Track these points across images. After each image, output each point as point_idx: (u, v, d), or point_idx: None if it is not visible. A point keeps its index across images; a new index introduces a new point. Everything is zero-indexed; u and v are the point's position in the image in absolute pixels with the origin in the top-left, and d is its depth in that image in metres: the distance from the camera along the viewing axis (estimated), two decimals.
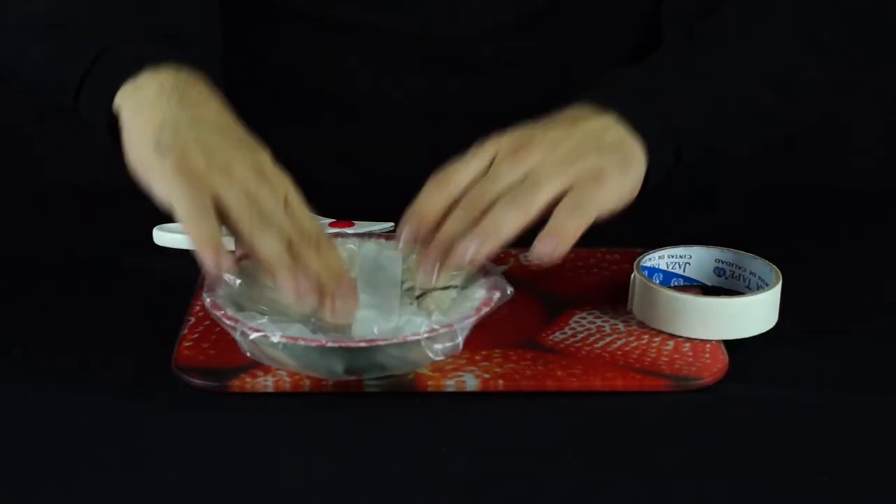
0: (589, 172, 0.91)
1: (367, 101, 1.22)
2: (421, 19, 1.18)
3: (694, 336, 0.93)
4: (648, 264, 0.97)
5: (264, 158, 0.93)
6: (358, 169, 1.26)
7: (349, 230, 1.05)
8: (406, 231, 0.91)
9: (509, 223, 0.89)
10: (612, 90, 0.98)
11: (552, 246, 0.88)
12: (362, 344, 0.84)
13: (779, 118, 1.05)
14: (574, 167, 0.91)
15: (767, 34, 1.06)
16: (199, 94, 0.96)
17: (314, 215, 0.92)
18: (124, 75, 0.96)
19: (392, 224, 1.06)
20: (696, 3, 1.13)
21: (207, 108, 0.95)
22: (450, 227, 0.90)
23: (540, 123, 0.94)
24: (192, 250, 1.05)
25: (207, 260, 0.86)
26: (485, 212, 0.89)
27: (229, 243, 1.03)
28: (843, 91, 1.13)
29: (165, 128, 0.92)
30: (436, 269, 0.89)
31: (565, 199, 0.90)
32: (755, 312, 0.93)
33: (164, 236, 1.06)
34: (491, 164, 0.92)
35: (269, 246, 0.87)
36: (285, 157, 1.22)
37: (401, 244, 0.91)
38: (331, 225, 1.07)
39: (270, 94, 1.27)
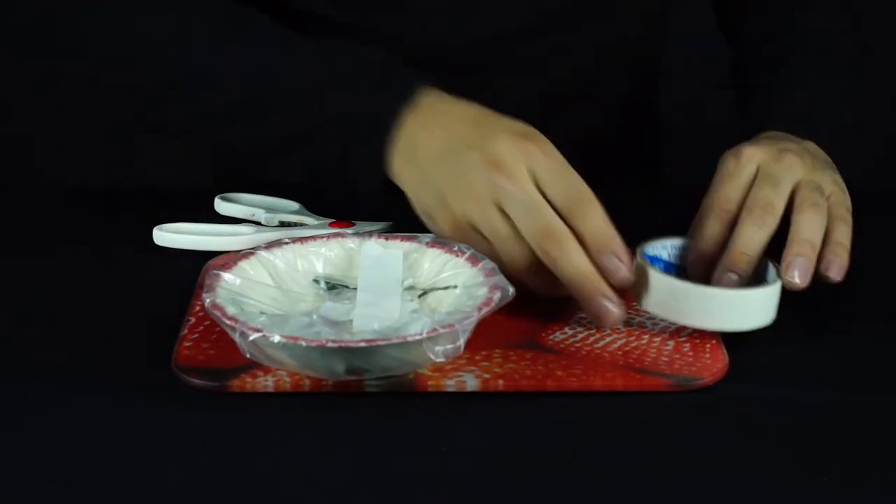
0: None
1: None
2: (427, 23, 1.18)
3: (691, 325, 0.93)
4: (651, 252, 0.97)
5: (498, 147, 0.94)
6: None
7: (349, 230, 1.05)
8: (710, 225, 0.96)
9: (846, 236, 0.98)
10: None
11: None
12: (362, 344, 0.84)
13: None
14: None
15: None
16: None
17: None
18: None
19: (391, 223, 1.06)
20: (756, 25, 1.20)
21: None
22: (747, 231, 0.95)
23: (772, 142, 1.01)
24: (193, 250, 1.05)
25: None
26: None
27: (244, 242, 1.04)
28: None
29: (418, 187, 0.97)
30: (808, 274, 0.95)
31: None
32: (755, 306, 0.93)
33: (164, 236, 1.06)
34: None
35: (528, 281, 0.93)
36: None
37: (701, 241, 0.96)
38: (330, 225, 1.07)
39: None
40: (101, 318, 0.97)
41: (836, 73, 1.16)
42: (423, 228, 0.99)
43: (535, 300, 0.98)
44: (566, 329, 0.95)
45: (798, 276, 0.94)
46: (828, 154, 1.06)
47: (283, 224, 1.09)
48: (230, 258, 0.95)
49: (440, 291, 0.94)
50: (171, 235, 1.06)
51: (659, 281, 0.93)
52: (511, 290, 0.90)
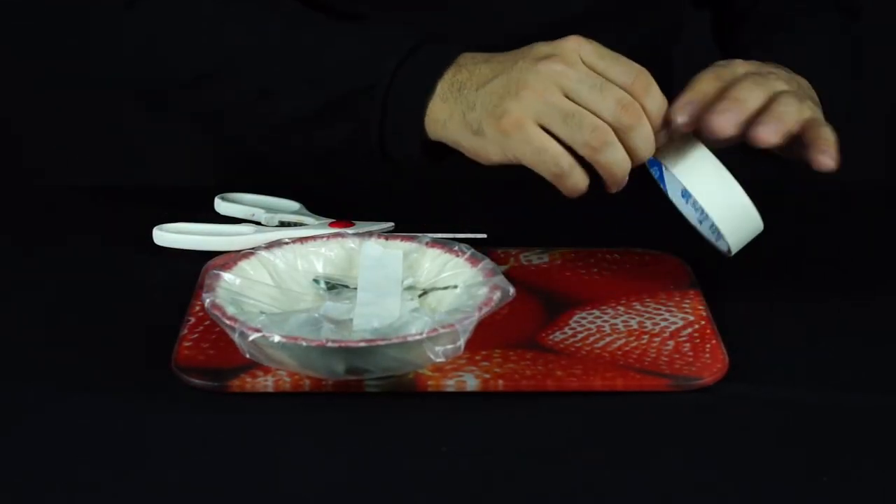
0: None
1: None
2: (446, 24, 1.18)
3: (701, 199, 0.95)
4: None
5: (543, 48, 0.97)
6: (368, 167, 1.25)
7: (349, 230, 1.05)
8: (688, 106, 0.96)
9: (794, 115, 0.96)
10: None
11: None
12: (362, 344, 0.84)
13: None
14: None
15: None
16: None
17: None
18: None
19: (392, 224, 1.06)
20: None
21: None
22: (744, 90, 0.95)
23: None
24: (193, 250, 1.05)
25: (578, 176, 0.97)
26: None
27: (244, 242, 1.04)
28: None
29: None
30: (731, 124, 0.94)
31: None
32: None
33: (164, 236, 1.06)
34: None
35: (578, 180, 0.96)
36: (305, 150, 1.21)
37: (680, 118, 0.95)
38: (330, 225, 1.07)
39: None
40: (102, 317, 0.97)
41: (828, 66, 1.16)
42: (424, 228, 0.99)
43: (535, 300, 0.98)
44: (566, 329, 0.95)
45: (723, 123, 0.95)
46: None
47: (283, 224, 1.09)
48: (230, 258, 0.95)
49: (440, 291, 0.94)
50: (172, 235, 1.06)
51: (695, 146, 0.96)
52: (511, 290, 0.90)
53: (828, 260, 1.08)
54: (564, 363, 0.90)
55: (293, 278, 0.96)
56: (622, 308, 0.97)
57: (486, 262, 0.93)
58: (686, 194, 0.96)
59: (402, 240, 0.97)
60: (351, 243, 0.97)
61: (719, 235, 0.96)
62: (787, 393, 0.88)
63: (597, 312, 0.97)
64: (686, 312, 0.97)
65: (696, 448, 0.83)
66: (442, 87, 1.00)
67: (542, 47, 0.97)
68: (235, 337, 0.86)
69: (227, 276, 0.92)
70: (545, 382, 0.88)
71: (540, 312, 0.97)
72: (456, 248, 0.95)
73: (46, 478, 0.80)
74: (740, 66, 1.00)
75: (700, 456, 0.83)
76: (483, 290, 0.90)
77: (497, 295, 0.89)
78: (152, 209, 1.12)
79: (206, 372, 0.89)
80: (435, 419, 0.86)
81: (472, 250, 0.95)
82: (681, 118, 0.95)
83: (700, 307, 0.97)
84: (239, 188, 1.14)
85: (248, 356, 0.86)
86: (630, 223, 1.11)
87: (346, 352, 0.84)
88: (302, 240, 0.97)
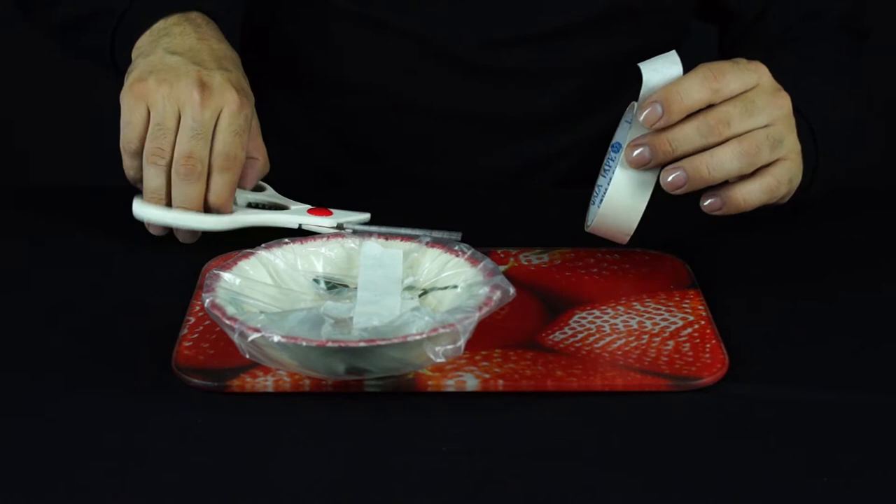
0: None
1: (386, 95, 1.22)
2: (453, 24, 1.18)
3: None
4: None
5: (217, 76, 1.03)
6: (370, 162, 1.26)
7: (326, 219, 1.05)
8: (652, 110, 0.94)
9: (754, 198, 0.97)
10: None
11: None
12: (362, 344, 0.84)
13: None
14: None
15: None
16: (196, 30, 1.08)
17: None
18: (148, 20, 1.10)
19: (368, 215, 1.06)
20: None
21: (184, 39, 1.07)
22: (691, 136, 0.94)
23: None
24: (190, 251, 1.05)
25: (125, 164, 1.05)
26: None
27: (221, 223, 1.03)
28: None
29: (139, 57, 1.07)
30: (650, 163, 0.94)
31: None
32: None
33: (144, 210, 1.05)
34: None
35: (152, 179, 1.03)
36: (302, 146, 1.22)
37: (641, 116, 0.94)
38: (308, 212, 1.06)
39: (288, 83, 1.27)
40: (102, 317, 0.97)
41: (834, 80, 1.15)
42: (404, 222, 0.99)
43: (535, 300, 0.98)
44: (566, 329, 0.95)
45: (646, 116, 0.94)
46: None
47: (253, 205, 1.09)
48: (230, 258, 0.95)
49: (440, 291, 0.94)
50: (151, 210, 1.05)
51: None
52: (511, 290, 0.90)
53: (828, 260, 1.08)
54: (564, 363, 0.90)
55: (293, 278, 0.96)
56: (622, 308, 0.97)
57: (487, 262, 0.93)
58: (617, 147, 0.98)
59: (402, 239, 0.97)
60: (351, 243, 0.97)
61: (599, 204, 0.97)
62: (787, 393, 0.88)
63: (597, 312, 0.97)
64: (686, 312, 0.97)
65: (697, 448, 0.83)
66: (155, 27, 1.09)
67: (214, 75, 1.04)
68: (235, 337, 0.86)
69: (226, 276, 0.92)
70: (545, 382, 0.88)
71: (540, 312, 0.97)
72: (456, 247, 0.95)
73: (46, 477, 0.80)
74: (730, 83, 0.96)
75: (700, 456, 0.83)
76: (483, 290, 0.90)
77: (497, 295, 0.89)
78: None
79: (206, 372, 0.89)
80: (435, 419, 0.86)
81: (473, 250, 0.95)
82: (631, 156, 0.95)
83: (700, 307, 0.97)
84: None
85: (247, 356, 0.86)
86: (641, 224, 1.11)
87: (346, 352, 0.84)
88: (302, 239, 0.97)
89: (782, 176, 0.97)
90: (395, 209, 1.07)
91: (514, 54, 1.19)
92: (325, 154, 1.27)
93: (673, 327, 0.95)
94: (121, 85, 1.06)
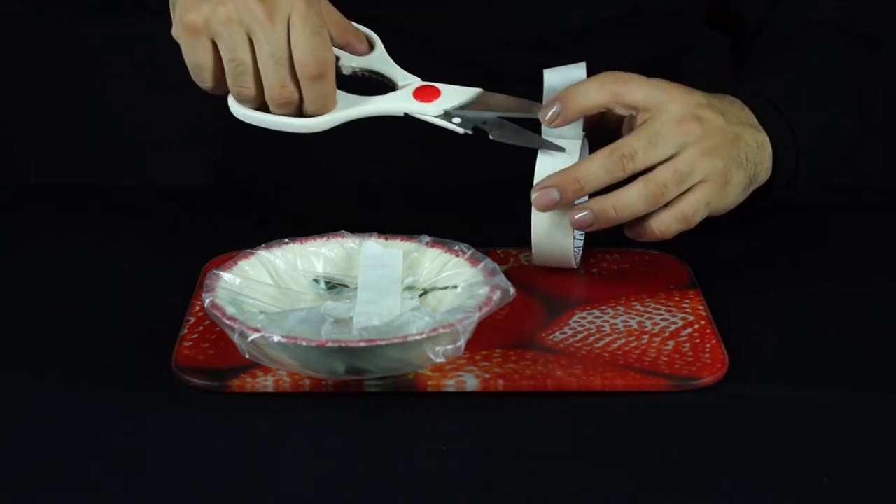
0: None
1: None
2: (464, 26, 1.18)
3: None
4: None
5: None
6: (375, 166, 1.26)
7: (432, 106, 1.00)
8: (553, 109, 0.97)
9: (671, 228, 0.98)
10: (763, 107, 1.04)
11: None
12: (362, 344, 0.84)
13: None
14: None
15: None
16: None
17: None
18: None
19: (480, 90, 1.02)
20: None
21: None
22: (594, 167, 0.96)
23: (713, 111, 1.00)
24: (193, 246, 1.05)
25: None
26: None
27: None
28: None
29: None
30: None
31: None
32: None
33: (241, 111, 0.99)
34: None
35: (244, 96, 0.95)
36: (306, 149, 1.21)
37: (542, 115, 0.97)
38: (415, 92, 1.01)
39: None
40: (102, 317, 0.97)
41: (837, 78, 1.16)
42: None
43: (535, 300, 0.98)
44: (566, 329, 0.95)
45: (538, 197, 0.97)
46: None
47: (359, 74, 1.03)
48: (230, 258, 0.95)
49: (440, 291, 0.94)
50: (247, 111, 0.98)
51: None
52: (511, 290, 0.90)
53: (828, 260, 1.08)
54: (564, 363, 0.90)
55: (293, 278, 0.96)
56: (622, 308, 0.97)
57: (487, 262, 0.93)
58: None
59: (402, 239, 0.97)
60: (351, 243, 0.97)
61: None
62: (787, 392, 0.88)
63: (597, 312, 0.97)
64: (686, 312, 0.97)
65: (697, 448, 0.83)
66: None
67: None
68: (235, 337, 0.86)
69: (226, 276, 0.92)
70: (545, 382, 0.88)
71: (540, 312, 0.97)
72: (456, 247, 0.95)
73: (46, 477, 0.80)
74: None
75: (700, 456, 0.83)
76: (483, 290, 0.90)
77: (497, 295, 0.89)
78: (152, 209, 1.12)
79: (206, 372, 0.89)
80: (435, 419, 0.86)
81: (473, 250, 0.95)
82: (539, 200, 0.97)
83: (700, 307, 0.97)
84: (240, 191, 1.14)
85: (247, 356, 0.86)
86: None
87: (346, 352, 0.84)
88: (302, 239, 0.97)
89: (697, 203, 0.98)
90: (398, 210, 1.07)
91: (525, 58, 1.19)
92: (332, 157, 1.27)
93: (673, 327, 0.95)
94: (168, 23, 0.99)
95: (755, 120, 1.03)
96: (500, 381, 0.88)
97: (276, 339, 0.84)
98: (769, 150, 1.03)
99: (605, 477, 0.80)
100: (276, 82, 0.94)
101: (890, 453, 0.83)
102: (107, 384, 0.88)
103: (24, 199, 1.19)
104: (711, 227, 1.08)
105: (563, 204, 0.97)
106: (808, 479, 0.80)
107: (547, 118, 0.97)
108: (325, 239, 0.98)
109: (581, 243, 1.03)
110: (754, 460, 0.82)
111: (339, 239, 0.98)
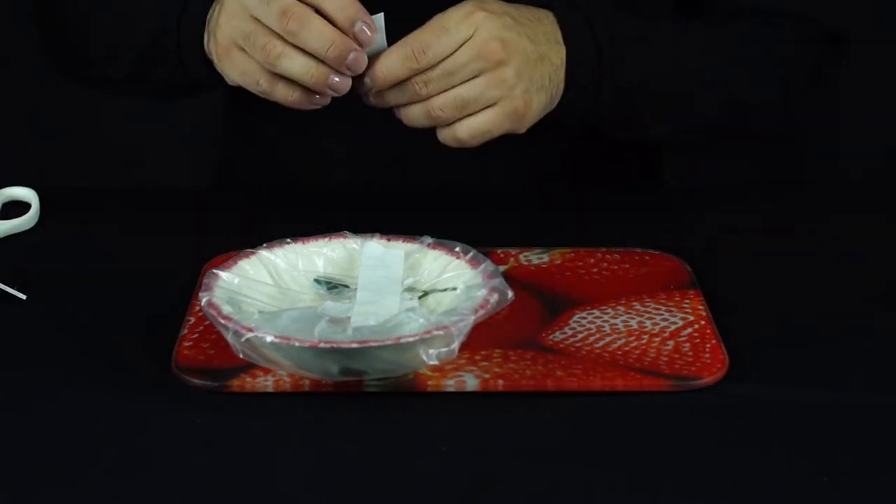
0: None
1: (370, 108, 1.22)
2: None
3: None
4: None
5: None
6: (376, 166, 1.26)
7: None
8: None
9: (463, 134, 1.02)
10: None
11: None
12: (354, 345, 0.84)
13: (719, 116, 1.12)
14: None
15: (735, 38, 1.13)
16: None
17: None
18: None
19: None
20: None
21: None
22: (391, 60, 0.99)
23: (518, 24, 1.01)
24: (191, 249, 1.05)
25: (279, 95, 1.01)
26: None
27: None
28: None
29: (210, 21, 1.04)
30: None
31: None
32: None
33: None
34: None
35: (294, 66, 0.98)
36: (307, 150, 1.20)
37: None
38: None
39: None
40: (102, 317, 0.97)
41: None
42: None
43: (535, 300, 0.98)
44: (566, 329, 0.95)
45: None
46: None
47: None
48: (230, 258, 0.95)
49: (440, 293, 0.94)
50: None
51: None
52: (510, 293, 0.90)
53: (828, 259, 1.08)
54: (564, 363, 0.90)
55: (293, 278, 0.96)
56: (622, 308, 0.97)
57: (487, 265, 0.93)
58: None
59: (403, 240, 0.97)
60: (353, 243, 0.97)
61: None
62: (787, 393, 0.88)
63: (597, 312, 0.97)
64: (686, 312, 0.97)
65: (697, 448, 0.83)
66: (209, 18, 1.05)
67: None
68: (229, 336, 0.86)
69: (225, 275, 0.92)
70: (545, 382, 0.88)
71: (540, 312, 0.97)
72: (457, 249, 0.95)
73: (46, 477, 0.80)
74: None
75: (700, 456, 0.83)
76: (481, 293, 0.90)
77: (494, 298, 0.89)
78: (152, 209, 1.12)
79: (206, 372, 0.89)
80: (435, 419, 0.86)
81: (474, 252, 0.95)
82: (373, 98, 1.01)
83: (700, 307, 0.97)
84: (238, 189, 1.14)
85: (241, 356, 0.86)
86: (630, 223, 1.11)
87: (339, 352, 0.84)
88: (304, 239, 0.97)
89: (472, 129, 1.01)
90: (399, 210, 1.07)
91: None
92: (333, 157, 1.27)
93: (673, 327, 0.95)
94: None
95: (560, 35, 1.04)
96: (500, 381, 0.88)
97: (269, 339, 0.84)
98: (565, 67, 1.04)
99: (605, 477, 0.80)
100: (277, 10, 0.96)
101: (890, 453, 0.83)
102: (107, 384, 0.89)
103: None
104: (712, 227, 1.08)
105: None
106: (808, 479, 0.80)
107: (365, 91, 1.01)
108: (326, 239, 0.98)
109: None
110: (754, 460, 0.82)
111: (342, 239, 0.98)
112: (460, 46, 0.99)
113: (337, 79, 0.98)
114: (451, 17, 0.99)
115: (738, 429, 0.85)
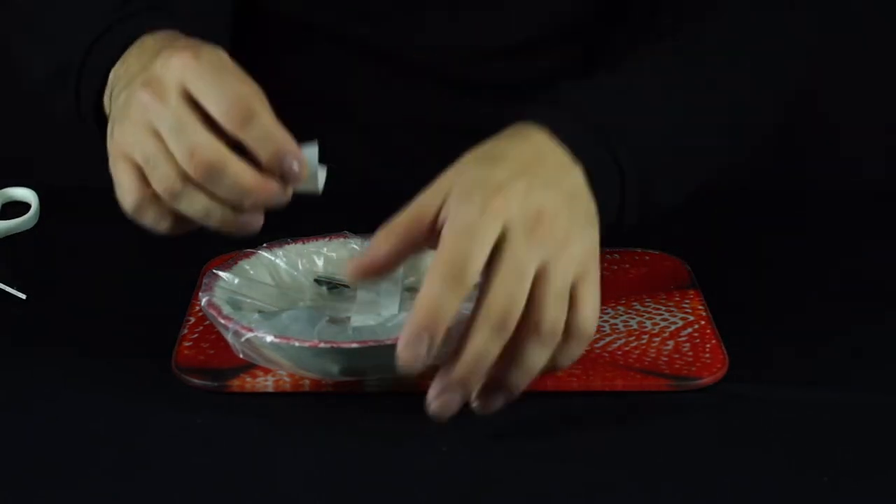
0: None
1: (368, 112, 1.22)
2: (427, 37, 1.18)
3: None
4: None
5: (157, 61, 0.84)
6: (354, 179, 1.26)
7: None
8: (416, 346, 0.78)
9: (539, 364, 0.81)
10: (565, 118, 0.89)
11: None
12: (354, 345, 0.84)
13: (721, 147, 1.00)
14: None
15: (713, 58, 0.99)
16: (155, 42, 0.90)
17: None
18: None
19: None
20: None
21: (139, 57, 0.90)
22: (480, 346, 0.79)
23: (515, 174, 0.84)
24: (191, 253, 1.05)
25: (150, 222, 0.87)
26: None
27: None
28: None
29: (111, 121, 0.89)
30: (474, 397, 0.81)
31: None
32: None
33: None
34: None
35: (192, 206, 0.84)
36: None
37: (407, 358, 0.78)
38: None
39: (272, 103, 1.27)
40: (101, 317, 0.97)
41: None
42: None
43: None
44: None
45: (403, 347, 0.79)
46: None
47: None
48: (231, 258, 0.95)
49: None
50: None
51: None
52: None
53: (827, 259, 1.08)
54: None
55: (294, 278, 0.96)
56: (622, 308, 0.97)
57: None
58: None
59: None
60: (353, 243, 0.97)
61: None
62: (787, 393, 0.88)
63: None
64: (686, 312, 0.97)
65: (697, 448, 0.83)
66: (111, 76, 0.93)
67: (154, 65, 0.85)
68: (229, 336, 0.86)
69: (225, 275, 0.92)
70: (545, 382, 0.88)
71: None
72: None
73: (46, 477, 0.80)
74: (497, 224, 0.80)
75: (700, 456, 0.83)
76: None
77: None
78: None
79: (206, 372, 0.89)
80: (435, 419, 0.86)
81: None
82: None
83: (700, 307, 0.97)
84: None
85: (241, 356, 0.86)
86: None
87: (338, 352, 0.84)
88: (304, 239, 0.97)
89: (589, 314, 0.83)
90: (397, 212, 1.07)
91: (491, 67, 1.19)
92: (333, 158, 1.27)
93: (673, 327, 0.95)
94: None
95: (567, 157, 0.86)
96: None
97: (268, 339, 0.84)
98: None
99: (605, 477, 0.80)
100: (186, 151, 0.82)
101: (890, 453, 0.83)
102: (107, 384, 0.89)
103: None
104: (712, 227, 1.08)
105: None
106: (808, 479, 0.80)
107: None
108: (327, 239, 0.98)
109: None
110: (754, 460, 0.82)
111: (342, 239, 0.98)
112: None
113: (249, 219, 0.84)
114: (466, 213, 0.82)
115: (738, 429, 0.85)
